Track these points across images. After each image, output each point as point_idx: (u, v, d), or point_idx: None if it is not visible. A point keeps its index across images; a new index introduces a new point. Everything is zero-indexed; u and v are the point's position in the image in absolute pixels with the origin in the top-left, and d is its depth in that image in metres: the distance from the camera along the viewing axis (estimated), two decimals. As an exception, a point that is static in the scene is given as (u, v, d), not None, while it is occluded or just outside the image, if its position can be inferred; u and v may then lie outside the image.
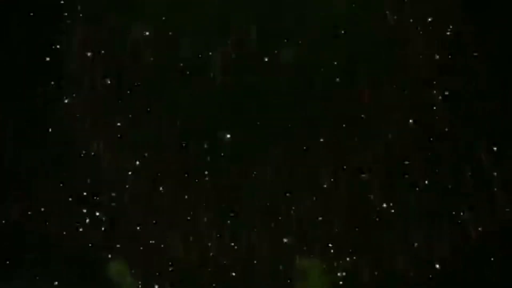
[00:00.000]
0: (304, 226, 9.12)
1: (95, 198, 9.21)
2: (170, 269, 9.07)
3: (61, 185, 9.21)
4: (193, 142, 9.36)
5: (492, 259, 8.58)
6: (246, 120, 9.36)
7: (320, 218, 9.10)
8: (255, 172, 9.30)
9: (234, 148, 9.32)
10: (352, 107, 9.17)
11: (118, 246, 9.04)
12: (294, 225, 9.13)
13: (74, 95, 9.41)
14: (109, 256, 8.98)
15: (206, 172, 9.28)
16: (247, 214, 9.20)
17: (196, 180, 9.32)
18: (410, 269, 8.78)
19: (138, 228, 9.14)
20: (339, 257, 8.92)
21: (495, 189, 8.67)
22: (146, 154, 9.36)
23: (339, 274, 8.87)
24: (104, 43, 9.49)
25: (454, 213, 8.81)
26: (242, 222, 9.18)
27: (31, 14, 9.37)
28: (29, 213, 9.09)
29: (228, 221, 9.21)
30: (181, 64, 9.43)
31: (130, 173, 9.28)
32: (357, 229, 8.97)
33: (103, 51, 9.50)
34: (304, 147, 9.20)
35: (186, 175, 9.29)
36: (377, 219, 9.00)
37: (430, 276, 8.74)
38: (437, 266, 8.70)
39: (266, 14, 9.43)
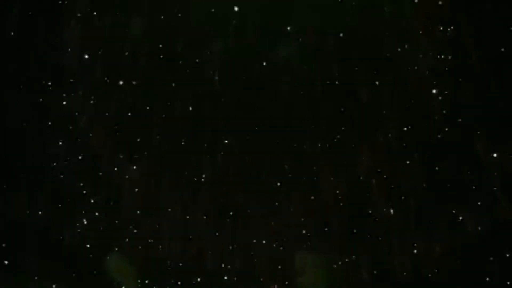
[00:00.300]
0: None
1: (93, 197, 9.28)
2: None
3: (60, 183, 9.25)
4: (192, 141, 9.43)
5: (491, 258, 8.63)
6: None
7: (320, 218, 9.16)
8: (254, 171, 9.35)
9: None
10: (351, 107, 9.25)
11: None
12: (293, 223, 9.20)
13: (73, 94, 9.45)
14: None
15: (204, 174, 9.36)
16: (246, 212, 9.24)
17: (195, 179, 9.35)
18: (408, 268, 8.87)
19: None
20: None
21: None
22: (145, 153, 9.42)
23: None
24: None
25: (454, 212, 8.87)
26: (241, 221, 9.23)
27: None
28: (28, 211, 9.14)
29: (227, 220, 9.24)
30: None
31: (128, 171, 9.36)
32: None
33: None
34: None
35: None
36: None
37: (429, 275, 8.80)
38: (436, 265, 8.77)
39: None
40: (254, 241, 9.20)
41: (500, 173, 8.64)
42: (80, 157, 9.33)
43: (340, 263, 8.98)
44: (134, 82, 9.47)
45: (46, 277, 8.93)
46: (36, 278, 8.93)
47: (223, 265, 9.14)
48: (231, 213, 9.29)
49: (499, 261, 8.47)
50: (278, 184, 9.28)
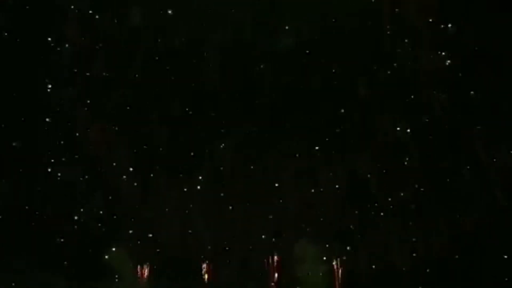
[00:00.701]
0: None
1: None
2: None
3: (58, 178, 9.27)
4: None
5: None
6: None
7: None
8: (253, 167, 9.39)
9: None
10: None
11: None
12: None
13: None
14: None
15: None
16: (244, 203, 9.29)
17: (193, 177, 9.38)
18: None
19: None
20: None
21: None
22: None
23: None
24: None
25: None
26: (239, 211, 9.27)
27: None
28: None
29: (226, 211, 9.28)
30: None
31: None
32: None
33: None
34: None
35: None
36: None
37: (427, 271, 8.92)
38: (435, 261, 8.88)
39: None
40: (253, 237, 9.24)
41: (500, 172, 8.73)
42: (78, 154, 9.31)
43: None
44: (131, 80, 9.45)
45: (46, 271, 8.96)
46: (36, 272, 8.94)
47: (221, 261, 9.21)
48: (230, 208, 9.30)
49: (498, 261, 8.60)
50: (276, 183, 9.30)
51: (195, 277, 9.12)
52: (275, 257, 9.11)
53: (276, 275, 9.06)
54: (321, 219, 9.14)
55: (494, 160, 8.77)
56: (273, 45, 9.38)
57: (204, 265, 9.12)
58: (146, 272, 9.08)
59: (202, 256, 9.16)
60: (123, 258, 9.12)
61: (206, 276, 9.09)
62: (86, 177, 9.29)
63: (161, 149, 9.41)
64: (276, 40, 9.37)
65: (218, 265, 9.17)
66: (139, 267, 9.12)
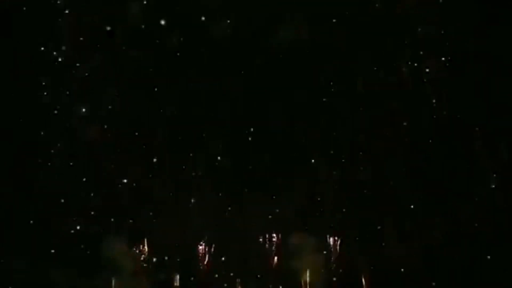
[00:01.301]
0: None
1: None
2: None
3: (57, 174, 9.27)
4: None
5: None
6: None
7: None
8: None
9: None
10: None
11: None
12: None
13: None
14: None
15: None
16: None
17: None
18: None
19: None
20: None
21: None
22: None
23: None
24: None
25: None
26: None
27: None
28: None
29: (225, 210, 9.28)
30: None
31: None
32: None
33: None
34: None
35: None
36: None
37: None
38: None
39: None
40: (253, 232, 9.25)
41: (499, 171, 8.74)
42: (76, 152, 9.32)
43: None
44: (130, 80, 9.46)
45: (47, 265, 8.97)
46: (36, 266, 8.96)
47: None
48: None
49: (498, 261, 8.59)
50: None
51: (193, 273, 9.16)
52: (274, 257, 9.12)
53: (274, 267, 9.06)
54: (321, 218, 9.15)
55: (494, 160, 8.78)
56: (273, 44, 9.39)
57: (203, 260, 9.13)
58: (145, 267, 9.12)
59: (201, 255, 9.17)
60: (122, 257, 9.14)
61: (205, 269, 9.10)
62: (84, 177, 9.29)
63: (160, 149, 9.40)
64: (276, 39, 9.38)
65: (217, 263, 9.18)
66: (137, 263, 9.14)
